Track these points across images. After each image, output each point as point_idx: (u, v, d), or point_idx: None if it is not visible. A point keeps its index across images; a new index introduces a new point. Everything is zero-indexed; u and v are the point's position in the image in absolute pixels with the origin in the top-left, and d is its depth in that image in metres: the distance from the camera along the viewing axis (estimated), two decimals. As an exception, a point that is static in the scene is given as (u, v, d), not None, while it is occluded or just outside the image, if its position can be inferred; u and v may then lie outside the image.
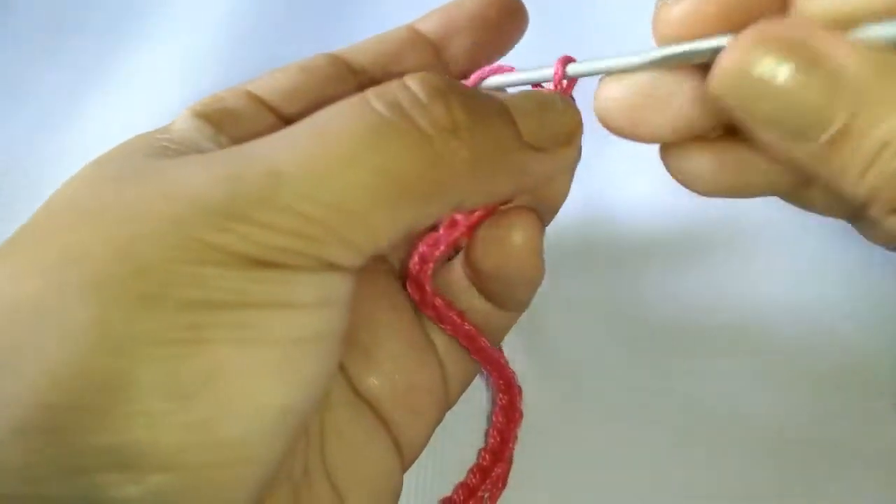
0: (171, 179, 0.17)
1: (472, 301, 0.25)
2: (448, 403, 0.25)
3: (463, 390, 0.26)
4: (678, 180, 0.22)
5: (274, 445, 0.17)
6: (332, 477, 0.21)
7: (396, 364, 0.23)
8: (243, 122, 0.21)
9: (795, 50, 0.16)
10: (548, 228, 0.24)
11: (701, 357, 0.31)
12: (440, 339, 0.25)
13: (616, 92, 0.20)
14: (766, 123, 0.17)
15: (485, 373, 0.27)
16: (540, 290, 0.25)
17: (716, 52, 0.18)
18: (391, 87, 0.18)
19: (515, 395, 0.27)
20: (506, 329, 0.26)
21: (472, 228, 0.23)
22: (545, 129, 0.20)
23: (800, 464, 0.28)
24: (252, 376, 0.16)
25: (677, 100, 0.20)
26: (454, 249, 0.25)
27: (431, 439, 0.25)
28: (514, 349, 0.29)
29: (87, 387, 0.15)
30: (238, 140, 0.20)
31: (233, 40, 0.37)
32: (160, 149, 0.19)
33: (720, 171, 0.21)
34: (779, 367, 0.30)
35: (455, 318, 0.24)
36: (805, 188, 0.21)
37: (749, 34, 0.17)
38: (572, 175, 0.24)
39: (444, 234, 0.23)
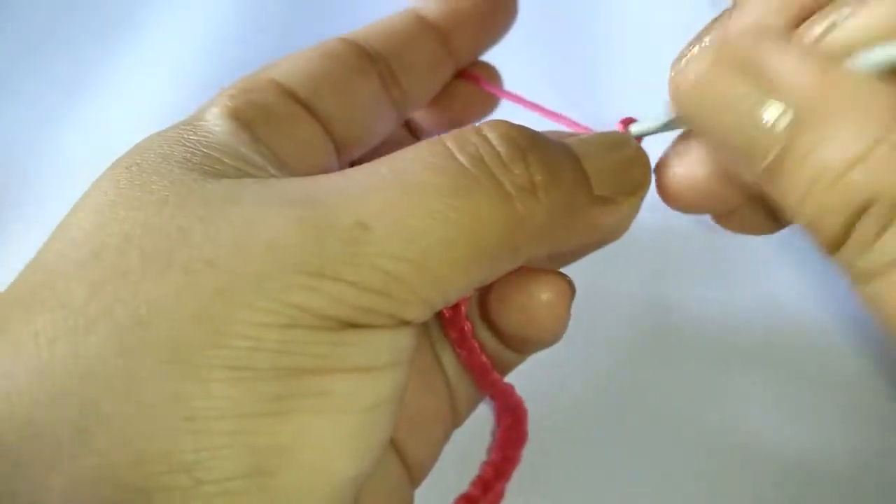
0: (243, 220, 0.16)
1: (486, 336, 0.24)
2: (456, 424, 0.25)
3: (471, 411, 0.26)
4: (662, 193, 0.21)
5: None
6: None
7: (408, 389, 0.23)
8: (277, 121, 0.20)
9: (744, 70, 0.16)
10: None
11: (704, 369, 0.31)
12: (449, 362, 0.25)
13: (690, 168, 0.20)
14: (718, 143, 0.17)
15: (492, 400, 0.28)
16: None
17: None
18: (472, 138, 0.18)
19: (522, 417, 0.28)
20: (516, 364, 0.26)
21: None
22: (616, 181, 0.20)
23: (807, 489, 0.29)
24: (330, 448, 0.16)
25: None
26: None
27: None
28: None
29: (167, 466, 0.14)
30: (276, 147, 0.20)
31: (228, 39, 0.37)
32: (202, 159, 0.18)
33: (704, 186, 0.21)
34: (788, 383, 0.30)
35: (475, 346, 0.24)
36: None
37: (709, 50, 0.17)
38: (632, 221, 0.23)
39: None
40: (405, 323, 0.17)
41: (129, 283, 0.15)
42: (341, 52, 0.22)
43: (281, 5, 0.40)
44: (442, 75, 0.25)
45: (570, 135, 0.21)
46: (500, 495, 0.28)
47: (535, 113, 0.24)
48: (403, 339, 0.17)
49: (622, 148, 0.20)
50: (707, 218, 0.33)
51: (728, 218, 0.21)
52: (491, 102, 0.27)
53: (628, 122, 0.22)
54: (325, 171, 0.20)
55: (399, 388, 0.17)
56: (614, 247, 0.33)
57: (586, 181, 0.19)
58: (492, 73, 0.27)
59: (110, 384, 0.14)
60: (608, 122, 0.22)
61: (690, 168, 0.20)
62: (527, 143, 0.18)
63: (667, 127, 0.21)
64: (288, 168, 0.20)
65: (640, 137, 0.22)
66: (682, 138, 0.21)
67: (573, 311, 0.31)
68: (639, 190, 0.21)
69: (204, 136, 0.19)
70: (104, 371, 0.14)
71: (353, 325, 0.16)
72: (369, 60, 0.23)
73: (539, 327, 0.22)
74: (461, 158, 0.17)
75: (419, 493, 0.28)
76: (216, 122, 0.19)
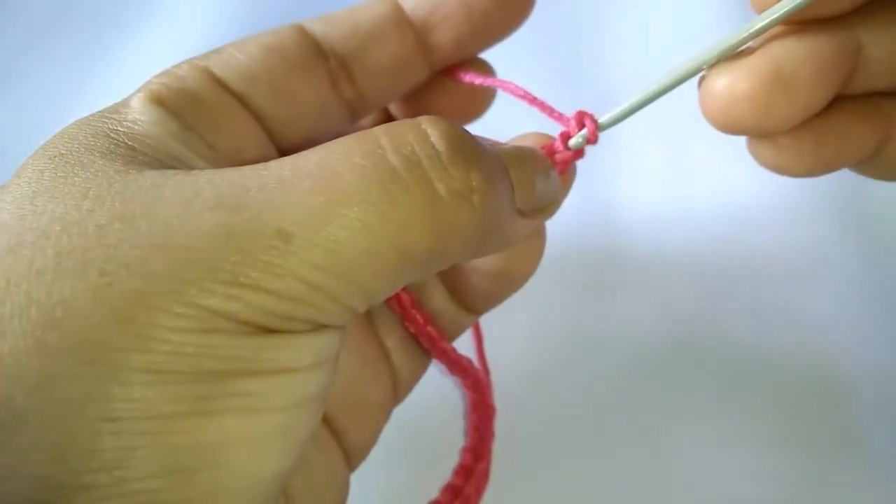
0: (162, 221, 0.15)
1: (442, 304, 0.25)
2: (396, 404, 0.25)
3: (411, 389, 0.26)
4: (774, 169, 0.20)
5: None
6: (286, 491, 0.20)
7: (351, 380, 0.23)
8: (207, 111, 0.20)
9: None
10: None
11: (691, 380, 0.30)
12: (393, 341, 0.25)
13: (736, 80, 0.19)
14: None
15: (451, 374, 0.28)
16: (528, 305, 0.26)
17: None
18: (409, 136, 0.17)
19: (484, 391, 0.28)
20: (464, 329, 0.27)
21: None
22: (537, 199, 0.20)
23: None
24: (252, 446, 0.16)
25: (805, 74, 0.18)
26: None
27: (415, 442, 0.25)
28: (499, 355, 0.29)
29: (87, 465, 0.14)
30: (208, 136, 0.19)
31: (231, 34, 0.37)
32: (125, 150, 0.17)
33: (823, 146, 0.20)
34: (773, 402, 0.30)
35: (419, 319, 0.24)
36: (883, 151, 0.20)
37: None
38: (544, 241, 0.24)
39: None
40: (328, 327, 0.17)
41: (44, 282, 0.15)
42: (288, 46, 0.21)
43: (283, 5, 0.40)
44: (409, 77, 0.23)
45: (497, 143, 0.21)
46: (485, 476, 0.28)
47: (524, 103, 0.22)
48: (326, 341, 0.17)
49: (546, 171, 0.21)
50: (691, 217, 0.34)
51: (767, 144, 0.20)
52: (480, 106, 0.26)
53: (584, 116, 0.21)
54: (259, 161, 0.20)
55: (323, 385, 0.17)
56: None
57: (511, 191, 0.19)
58: (486, 72, 0.25)
59: (26, 384, 0.14)
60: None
61: (745, 79, 0.19)
62: (468, 145, 0.18)
63: (631, 111, 0.20)
64: (220, 160, 0.20)
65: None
66: (722, 61, 0.20)
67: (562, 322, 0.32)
68: (551, 207, 0.21)
69: (129, 127, 0.18)
70: (19, 371, 0.14)
71: (272, 331, 0.16)
72: (319, 57, 0.22)
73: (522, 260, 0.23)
74: (393, 160, 0.17)
75: (405, 487, 0.28)
76: (142, 111, 0.19)
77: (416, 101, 0.25)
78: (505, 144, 0.21)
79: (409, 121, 0.18)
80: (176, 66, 0.20)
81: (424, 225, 0.17)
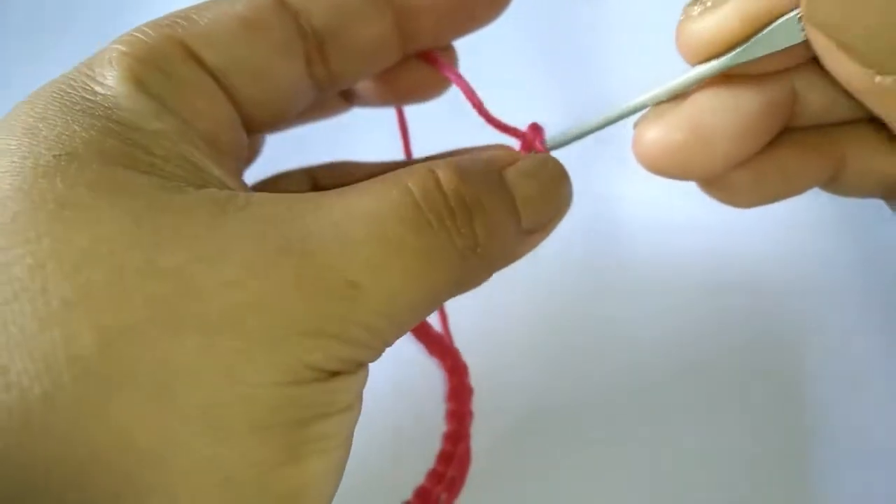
0: (241, 265, 0.16)
1: None
2: None
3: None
4: (721, 201, 0.21)
5: None
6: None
7: None
8: (188, 94, 0.19)
9: None
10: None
11: (688, 377, 0.30)
12: None
13: (662, 133, 0.19)
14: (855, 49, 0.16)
15: (433, 357, 0.28)
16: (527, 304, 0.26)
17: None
18: (433, 188, 0.18)
19: (462, 374, 0.28)
20: None
21: None
22: (543, 213, 0.20)
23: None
24: (325, 484, 0.17)
25: (727, 129, 0.19)
26: None
27: (401, 431, 0.26)
28: (494, 355, 0.29)
29: None
30: (188, 120, 0.18)
31: None
32: (145, 156, 0.17)
33: (764, 182, 0.20)
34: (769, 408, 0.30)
35: None
36: (840, 177, 0.21)
37: None
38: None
39: None
40: (363, 364, 0.18)
41: (146, 340, 0.14)
42: (270, 24, 0.20)
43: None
44: (382, 60, 0.23)
45: (515, 155, 0.21)
46: (467, 458, 0.28)
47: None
48: (363, 377, 0.18)
49: (556, 189, 0.21)
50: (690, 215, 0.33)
51: (712, 185, 0.21)
52: (438, 88, 0.26)
53: (537, 128, 0.22)
54: (233, 148, 0.20)
55: (357, 418, 0.19)
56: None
57: (518, 222, 0.20)
58: (449, 56, 0.25)
59: (145, 455, 0.14)
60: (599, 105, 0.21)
61: (669, 132, 0.19)
62: (473, 200, 0.18)
63: (583, 134, 0.21)
64: (220, 157, 0.19)
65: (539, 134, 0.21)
66: (657, 105, 0.20)
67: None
68: (557, 222, 0.21)
69: (128, 120, 0.17)
70: (136, 442, 0.14)
71: (338, 374, 0.17)
72: (299, 37, 0.21)
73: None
74: (430, 217, 0.18)
75: (389, 477, 0.27)
76: (125, 95, 0.17)
77: (381, 78, 0.25)
78: (524, 158, 0.21)
79: (428, 169, 0.18)
80: (143, 32, 0.18)
81: (450, 273, 0.18)
